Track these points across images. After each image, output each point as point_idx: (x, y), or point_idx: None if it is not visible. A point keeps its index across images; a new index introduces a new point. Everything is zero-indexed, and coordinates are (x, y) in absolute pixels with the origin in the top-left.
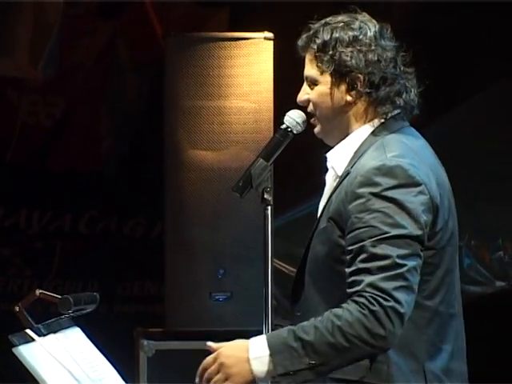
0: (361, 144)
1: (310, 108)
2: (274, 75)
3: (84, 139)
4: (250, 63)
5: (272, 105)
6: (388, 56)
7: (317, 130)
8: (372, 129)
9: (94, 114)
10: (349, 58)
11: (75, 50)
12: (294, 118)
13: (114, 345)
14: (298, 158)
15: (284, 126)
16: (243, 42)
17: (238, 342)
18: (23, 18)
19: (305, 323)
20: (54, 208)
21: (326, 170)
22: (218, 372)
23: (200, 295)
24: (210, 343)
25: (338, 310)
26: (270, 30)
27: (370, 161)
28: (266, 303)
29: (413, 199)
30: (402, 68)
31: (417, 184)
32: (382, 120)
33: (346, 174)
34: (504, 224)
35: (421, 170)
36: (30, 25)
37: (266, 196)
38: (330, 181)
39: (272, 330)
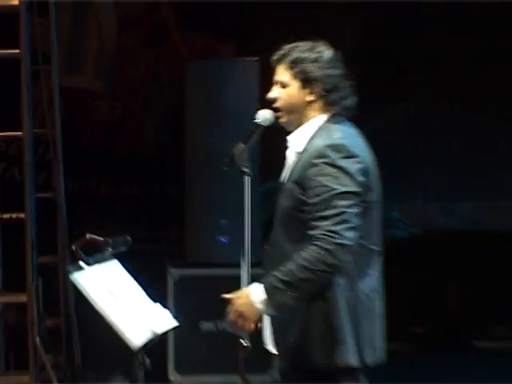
0: (315, 129)
1: (278, 104)
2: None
3: (136, 132)
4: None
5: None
6: (338, 72)
7: (283, 119)
8: (323, 120)
9: (142, 116)
10: (314, 71)
11: (128, 70)
12: (263, 115)
13: (149, 275)
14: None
15: (256, 120)
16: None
17: (243, 293)
18: (91, 45)
19: (283, 268)
20: (116, 179)
21: (286, 148)
22: (238, 315)
23: (209, 238)
24: (225, 295)
25: (302, 253)
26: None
27: (322, 140)
28: (247, 255)
29: (353, 166)
30: (346, 82)
31: (355, 156)
32: (330, 115)
33: (304, 150)
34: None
35: (357, 147)
36: (95, 50)
37: (244, 169)
38: (291, 156)
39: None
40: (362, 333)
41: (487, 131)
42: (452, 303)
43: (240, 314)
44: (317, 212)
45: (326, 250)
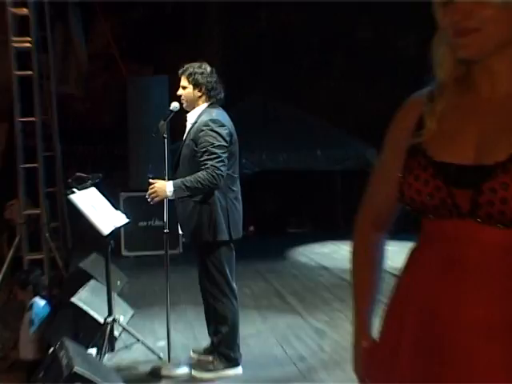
0: (202, 111)
1: (182, 98)
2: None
3: (98, 119)
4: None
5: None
6: (214, 80)
7: (184, 105)
8: (206, 106)
9: (102, 109)
10: (200, 79)
11: (93, 83)
12: (174, 104)
13: (110, 196)
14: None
15: (170, 108)
16: None
17: (162, 182)
18: (72, 68)
19: (187, 177)
20: (88, 145)
21: (186, 120)
22: (153, 191)
23: (142, 175)
24: (151, 180)
25: (198, 173)
26: None
27: (206, 117)
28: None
29: (223, 131)
30: (218, 85)
31: (224, 126)
32: (210, 103)
33: (195, 122)
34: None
35: (225, 121)
36: (75, 71)
37: (164, 135)
38: (189, 125)
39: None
40: (231, 222)
41: (296, 115)
42: (275, 208)
43: (155, 191)
44: (204, 156)
45: (211, 175)
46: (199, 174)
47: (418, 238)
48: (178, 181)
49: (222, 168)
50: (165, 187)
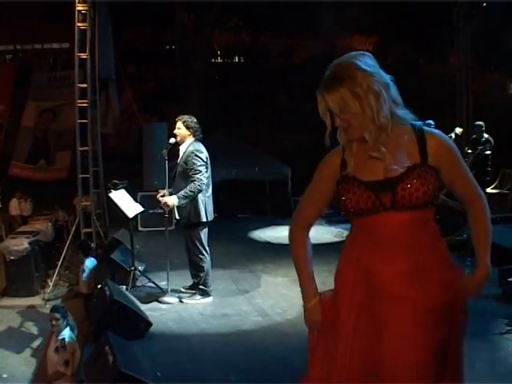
0: (189, 144)
1: (177, 135)
2: None
3: (124, 148)
4: None
5: None
6: (197, 125)
7: (178, 140)
8: (192, 140)
9: (126, 141)
10: (190, 124)
11: (122, 125)
12: (171, 140)
13: (131, 195)
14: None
15: (169, 142)
16: None
17: (169, 197)
18: (109, 115)
19: (183, 190)
20: (117, 161)
21: (179, 150)
22: (165, 203)
23: (151, 182)
24: (162, 198)
25: (190, 185)
26: None
27: (192, 147)
28: (166, 187)
29: (203, 156)
30: (199, 127)
31: (203, 152)
32: (194, 139)
33: (186, 151)
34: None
35: (203, 150)
36: (111, 117)
37: (165, 158)
38: (181, 152)
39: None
40: (207, 210)
41: (241, 146)
42: (229, 202)
43: (165, 203)
44: (192, 172)
45: (198, 184)
46: (190, 185)
47: (351, 230)
48: (179, 194)
49: (203, 179)
50: (172, 201)
